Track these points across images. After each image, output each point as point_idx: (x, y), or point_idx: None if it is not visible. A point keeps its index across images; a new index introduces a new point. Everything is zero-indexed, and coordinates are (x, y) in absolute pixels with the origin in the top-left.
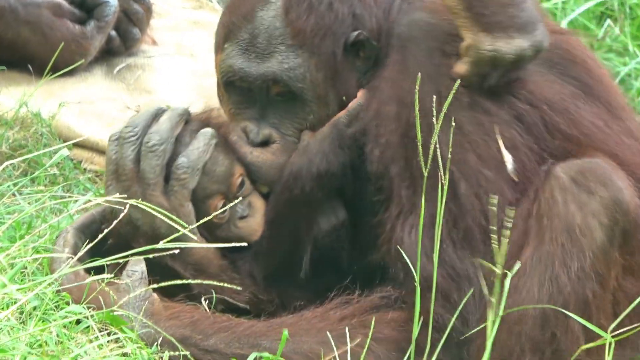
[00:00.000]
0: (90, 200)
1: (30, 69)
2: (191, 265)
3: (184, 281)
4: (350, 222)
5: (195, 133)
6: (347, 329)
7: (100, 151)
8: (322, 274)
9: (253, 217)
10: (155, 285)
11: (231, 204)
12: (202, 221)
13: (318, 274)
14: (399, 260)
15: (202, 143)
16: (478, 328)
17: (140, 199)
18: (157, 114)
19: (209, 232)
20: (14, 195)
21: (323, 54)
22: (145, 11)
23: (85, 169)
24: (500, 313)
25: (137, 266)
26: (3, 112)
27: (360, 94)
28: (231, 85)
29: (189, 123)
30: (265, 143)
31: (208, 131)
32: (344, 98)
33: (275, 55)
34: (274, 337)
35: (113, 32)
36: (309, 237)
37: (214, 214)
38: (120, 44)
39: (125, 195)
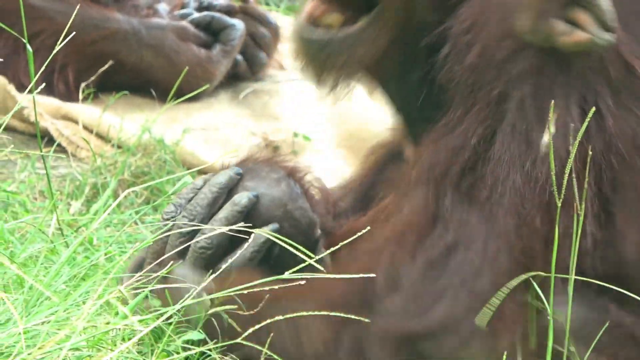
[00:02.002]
0: (214, 229)
1: (154, 94)
2: None
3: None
4: None
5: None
6: None
7: None
8: None
9: None
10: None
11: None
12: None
13: None
14: None
15: (251, 249)
16: None
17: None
18: (214, 201)
19: None
20: (135, 223)
21: None
22: (273, 35)
23: None
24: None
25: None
26: (126, 138)
27: None
28: None
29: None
30: None
31: (260, 237)
32: None
33: None
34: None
35: (239, 57)
36: None
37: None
38: (247, 69)
39: None
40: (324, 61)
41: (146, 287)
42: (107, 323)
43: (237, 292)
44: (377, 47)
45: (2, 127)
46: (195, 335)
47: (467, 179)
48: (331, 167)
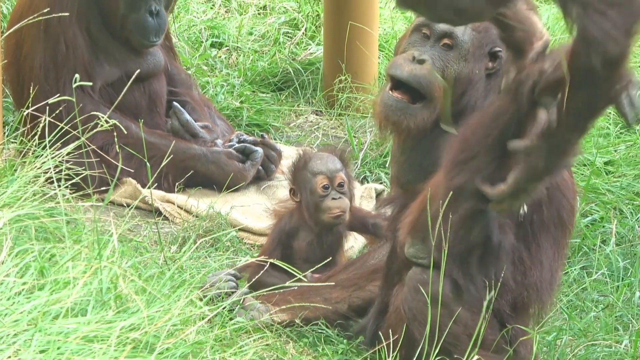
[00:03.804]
0: (247, 260)
1: (215, 188)
2: None
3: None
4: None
5: None
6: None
7: (253, 232)
8: None
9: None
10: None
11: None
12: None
13: None
14: None
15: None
16: None
17: None
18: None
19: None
20: (205, 257)
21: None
22: (278, 156)
23: (245, 243)
24: None
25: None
26: (200, 211)
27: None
28: (417, 30)
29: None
30: (421, 62)
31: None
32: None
33: None
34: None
35: (260, 167)
36: None
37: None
38: (264, 174)
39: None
40: (397, 119)
41: (210, 292)
42: (191, 311)
43: (263, 292)
44: (425, 119)
45: (133, 206)
46: (242, 319)
47: None
48: None
